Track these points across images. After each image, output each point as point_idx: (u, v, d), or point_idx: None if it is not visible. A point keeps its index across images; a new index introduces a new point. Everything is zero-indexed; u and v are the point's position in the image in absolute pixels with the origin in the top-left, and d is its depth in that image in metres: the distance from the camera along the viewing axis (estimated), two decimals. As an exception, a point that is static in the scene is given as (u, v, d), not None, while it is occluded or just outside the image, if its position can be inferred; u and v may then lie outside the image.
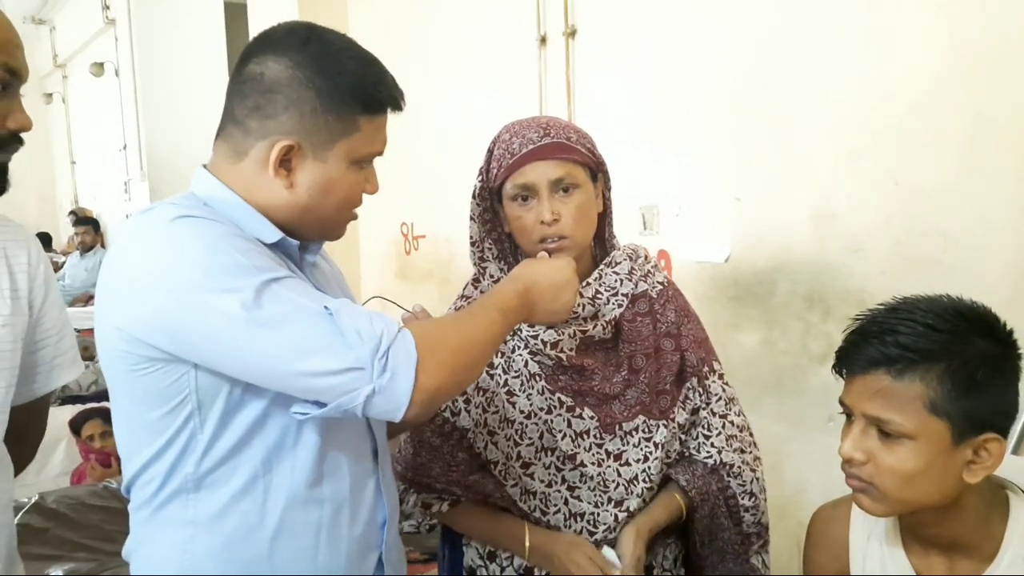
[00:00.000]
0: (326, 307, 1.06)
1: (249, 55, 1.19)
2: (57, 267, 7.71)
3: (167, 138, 6.50)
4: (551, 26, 2.92)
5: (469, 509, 1.50)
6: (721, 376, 1.57)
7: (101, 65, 7.57)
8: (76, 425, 3.74)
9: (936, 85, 1.80)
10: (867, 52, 1.94)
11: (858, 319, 1.17)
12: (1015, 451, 1.61)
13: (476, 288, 1.55)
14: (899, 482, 1.10)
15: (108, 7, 7.44)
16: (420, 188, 3.80)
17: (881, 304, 1.17)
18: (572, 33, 2.83)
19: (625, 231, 2.53)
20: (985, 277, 1.73)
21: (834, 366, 1.19)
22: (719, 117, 2.33)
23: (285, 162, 1.16)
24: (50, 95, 9.79)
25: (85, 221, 7.87)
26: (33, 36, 9.40)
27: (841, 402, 1.17)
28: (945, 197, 1.80)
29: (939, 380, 1.07)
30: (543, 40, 2.96)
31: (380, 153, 1.24)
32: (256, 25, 4.42)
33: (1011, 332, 1.12)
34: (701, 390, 1.54)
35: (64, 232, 9.35)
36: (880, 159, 1.93)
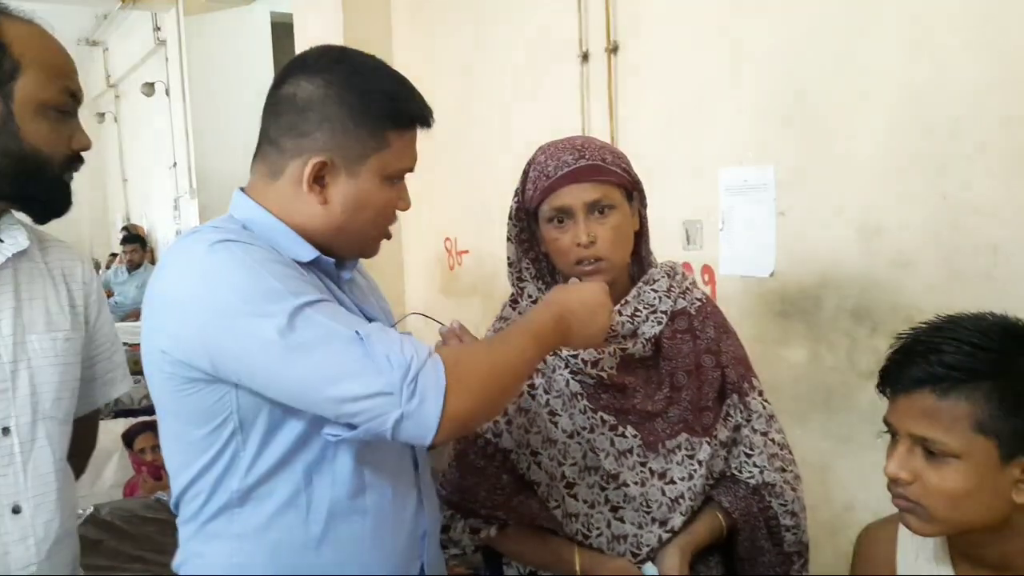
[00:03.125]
0: (357, 332, 1.07)
1: (283, 78, 1.21)
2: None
3: (216, 156, 6.62)
4: (593, 42, 2.92)
5: (517, 533, 1.50)
6: (761, 393, 1.56)
7: (152, 85, 7.72)
8: (129, 438, 3.80)
9: (984, 96, 1.77)
10: (913, 64, 1.91)
11: (902, 337, 1.16)
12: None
13: (514, 309, 1.56)
14: (947, 502, 1.09)
15: (159, 28, 7.61)
16: (463, 203, 3.81)
17: (925, 322, 1.15)
18: (614, 49, 2.82)
19: (668, 246, 2.53)
20: (1037, 292, 1.69)
21: (878, 385, 1.17)
22: (763, 131, 2.32)
23: (319, 179, 1.18)
24: (103, 115, 10.02)
25: (132, 239, 8.02)
26: (87, 57, 9.61)
27: (886, 421, 1.16)
28: (995, 210, 1.77)
29: (986, 398, 1.05)
30: (585, 56, 2.96)
31: (410, 169, 1.26)
32: (302, 45, 4.48)
33: None
34: (742, 407, 1.53)
35: (116, 249, 9.53)
36: (928, 172, 1.89)
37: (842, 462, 2.17)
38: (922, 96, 1.90)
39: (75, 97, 1.35)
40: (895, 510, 1.18)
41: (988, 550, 1.15)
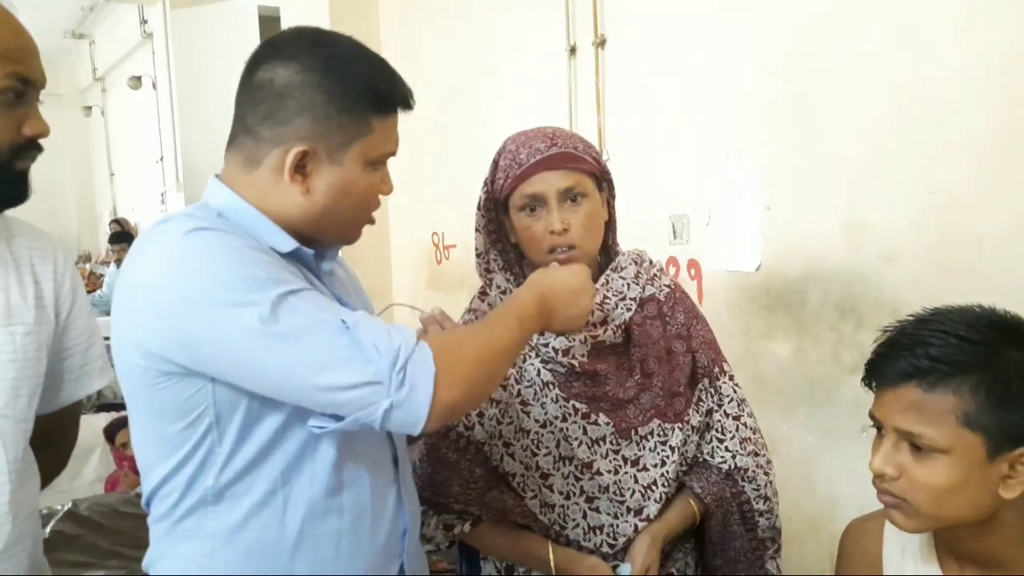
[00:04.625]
0: (343, 320, 1.05)
1: (257, 62, 1.18)
2: (97, 278, 7.82)
3: (203, 149, 6.57)
4: (581, 36, 2.92)
5: (490, 529, 1.48)
6: (732, 377, 1.56)
7: (139, 78, 7.68)
8: (110, 432, 3.79)
9: (970, 89, 1.77)
10: (899, 56, 1.90)
11: (887, 330, 1.14)
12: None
13: (483, 300, 1.56)
14: (932, 498, 1.07)
15: (146, 21, 7.56)
16: (451, 198, 3.80)
17: (911, 315, 1.14)
18: (601, 43, 2.82)
19: (655, 241, 2.53)
20: (1023, 285, 1.69)
21: (863, 379, 1.16)
22: (749, 125, 2.31)
23: (300, 168, 1.15)
24: (89, 108, 9.93)
25: (120, 238, 7.98)
26: (73, 50, 9.55)
27: (871, 415, 1.14)
28: (980, 204, 1.76)
29: (972, 392, 1.03)
30: (573, 50, 2.96)
31: (393, 153, 1.24)
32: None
33: None
34: (713, 391, 1.53)
35: (103, 243, 9.48)
36: (913, 165, 1.89)
37: (827, 456, 2.17)
38: (907, 90, 1.89)
39: (27, 82, 1.26)
40: (880, 505, 1.16)
41: (974, 545, 1.13)
